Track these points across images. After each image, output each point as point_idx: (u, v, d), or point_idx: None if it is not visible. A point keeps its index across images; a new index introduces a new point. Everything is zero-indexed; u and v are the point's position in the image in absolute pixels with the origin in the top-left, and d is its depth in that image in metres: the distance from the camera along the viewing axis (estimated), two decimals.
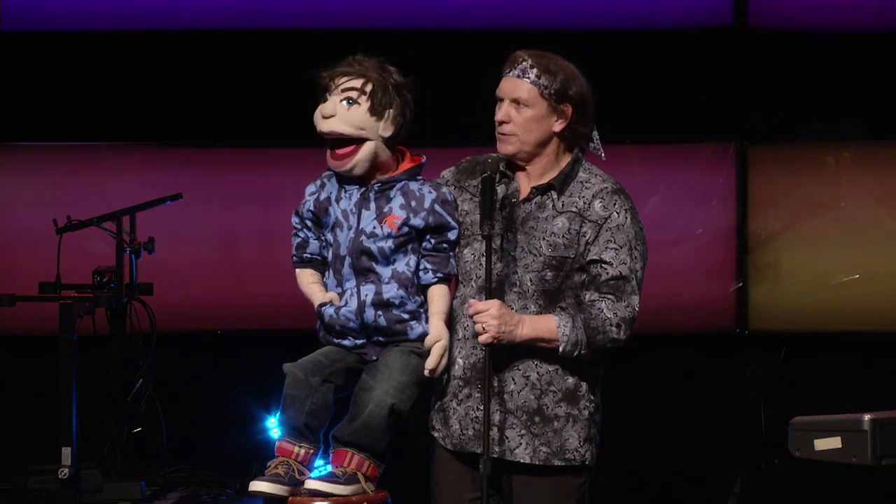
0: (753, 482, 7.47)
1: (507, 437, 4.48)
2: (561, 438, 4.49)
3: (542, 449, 4.49)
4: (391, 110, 4.48)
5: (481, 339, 4.37)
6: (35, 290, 6.71)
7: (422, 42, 7.39)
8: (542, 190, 4.52)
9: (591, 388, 4.54)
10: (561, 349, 4.41)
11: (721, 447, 7.51)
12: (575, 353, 4.42)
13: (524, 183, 4.56)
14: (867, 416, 4.36)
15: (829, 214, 7.56)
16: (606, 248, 4.46)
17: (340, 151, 4.48)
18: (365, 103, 4.46)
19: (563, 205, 4.50)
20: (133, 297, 6.83)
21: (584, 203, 4.49)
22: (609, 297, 4.45)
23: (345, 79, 4.47)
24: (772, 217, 7.58)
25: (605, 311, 4.43)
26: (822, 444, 4.42)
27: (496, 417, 4.48)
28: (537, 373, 4.49)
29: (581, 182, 4.53)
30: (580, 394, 4.52)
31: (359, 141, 4.47)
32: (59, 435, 6.33)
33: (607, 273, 4.45)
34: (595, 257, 4.46)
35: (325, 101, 4.48)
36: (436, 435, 4.61)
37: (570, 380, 4.50)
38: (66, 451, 6.30)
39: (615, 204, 4.49)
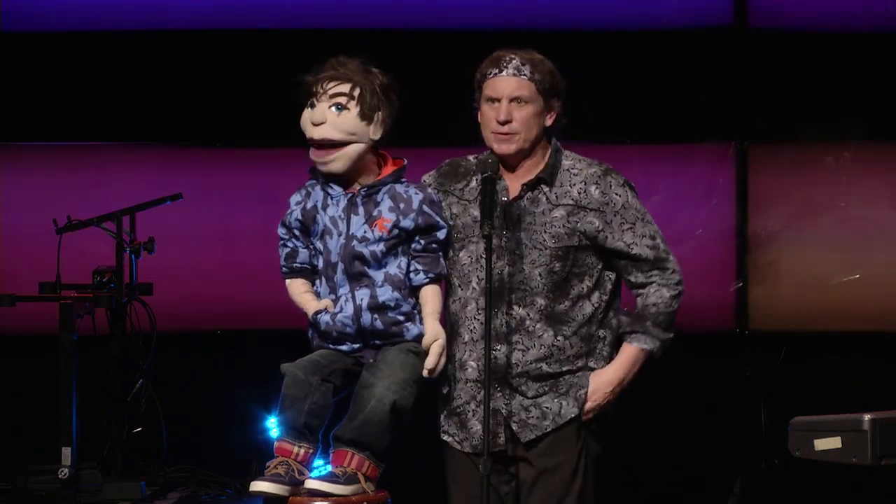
0: (753, 482, 7.46)
1: (534, 417, 4.53)
2: (584, 380, 4.58)
3: (581, 393, 4.57)
4: (380, 113, 4.50)
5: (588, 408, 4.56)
6: (35, 290, 6.72)
7: (421, 42, 7.38)
8: (532, 185, 4.55)
9: (598, 364, 4.64)
10: (656, 357, 4.63)
11: (721, 447, 7.50)
12: (666, 347, 4.63)
13: (511, 181, 4.58)
14: (867, 416, 4.35)
15: (829, 214, 7.56)
16: (622, 230, 4.54)
17: (325, 149, 4.50)
18: (354, 108, 4.48)
19: (556, 196, 4.54)
20: (133, 297, 6.83)
21: (580, 192, 4.53)
22: (654, 275, 4.58)
23: (333, 84, 4.49)
24: (772, 217, 7.58)
25: (662, 296, 4.58)
26: (822, 444, 4.42)
27: (519, 410, 4.52)
28: (546, 363, 4.53)
29: (567, 170, 4.57)
30: (588, 370, 4.61)
31: (346, 144, 4.49)
32: (59, 435, 6.34)
33: (639, 255, 4.55)
34: (619, 244, 4.55)
35: (311, 106, 4.50)
36: (449, 440, 4.62)
37: (579, 364, 4.56)
38: (66, 451, 6.30)
39: (611, 186, 4.56)
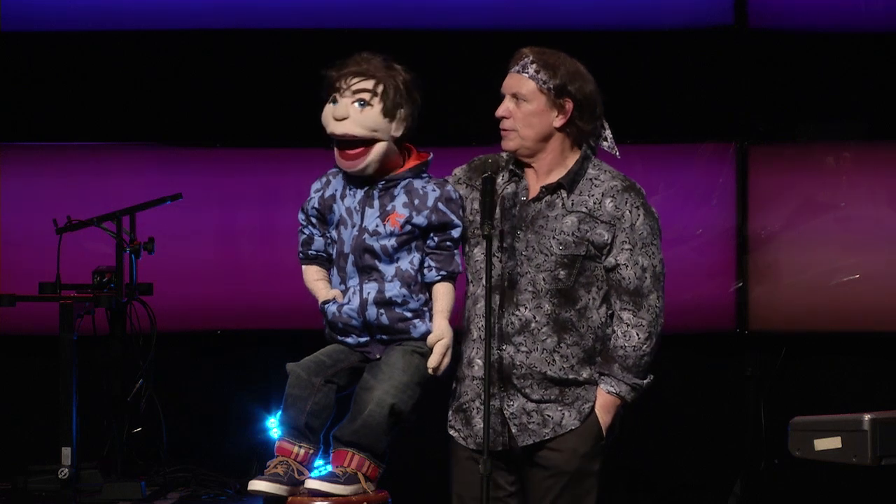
0: (753, 482, 7.46)
1: (535, 423, 4.51)
2: (591, 394, 4.55)
3: (585, 407, 4.54)
4: (402, 110, 4.47)
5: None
6: (35, 290, 6.72)
7: (423, 42, 7.38)
8: (551, 189, 4.54)
9: None
10: (630, 401, 4.58)
11: (721, 447, 7.50)
12: (640, 392, 4.58)
13: (533, 181, 4.57)
14: (867, 416, 4.36)
15: (829, 214, 7.56)
16: (622, 250, 4.50)
17: (351, 152, 4.47)
18: (377, 105, 4.45)
19: (572, 203, 4.52)
20: (133, 297, 6.83)
21: (595, 202, 4.51)
22: (627, 309, 4.50)
23: (356, 80, 4.46)
24: (772, 217, 7.58)
25: (631, 338, 4.50)
26: (822, 444, 4.42)
27: (521, 413, 4.51)
28: (549, 368, 4.52)
29: (590, 179, 4.55)
30: (595, 385, 4.58)
31: (371, 142, 4.47)
32: (59, 435, 6.34)
33: (622, 279, 4.50)
34: (613, 261, 4.50)
35: (334, 101, 4.47)
36: (455, 435, 4.62)
37: (585, 371, 4.55)
38: (66, 451, 6.30)
39: (626, 202, 4.52)
